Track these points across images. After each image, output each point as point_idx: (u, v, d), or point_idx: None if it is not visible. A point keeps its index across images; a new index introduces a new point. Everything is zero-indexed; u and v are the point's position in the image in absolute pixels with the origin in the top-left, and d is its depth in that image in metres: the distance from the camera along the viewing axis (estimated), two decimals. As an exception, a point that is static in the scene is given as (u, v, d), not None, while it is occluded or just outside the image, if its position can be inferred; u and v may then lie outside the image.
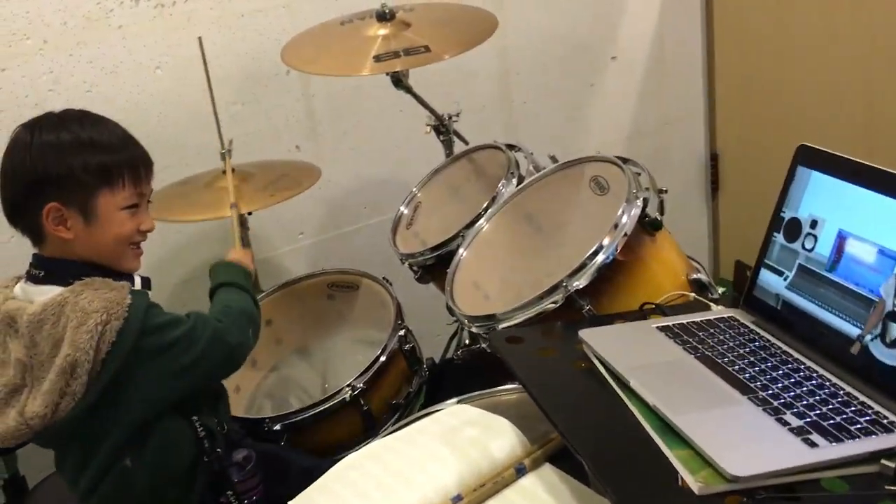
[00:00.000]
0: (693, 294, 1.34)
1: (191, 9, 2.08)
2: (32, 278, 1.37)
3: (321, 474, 1.25)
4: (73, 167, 1.33)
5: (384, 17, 1.80)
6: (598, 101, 2.77)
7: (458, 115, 2.05)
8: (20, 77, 1.93)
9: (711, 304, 1.29)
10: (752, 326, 1.20)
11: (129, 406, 1.33)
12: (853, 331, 1.06)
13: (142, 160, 1.43)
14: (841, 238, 1.10)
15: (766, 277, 1.21)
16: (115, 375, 1.29)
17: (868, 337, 1.04)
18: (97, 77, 2.01)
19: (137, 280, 1.43)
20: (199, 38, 1.82)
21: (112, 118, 2.01)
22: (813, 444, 0.93)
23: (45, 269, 1.36)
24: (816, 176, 1.16)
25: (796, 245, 1.17)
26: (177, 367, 1.36)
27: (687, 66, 2.87)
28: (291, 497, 1.23)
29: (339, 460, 1.27)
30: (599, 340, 1.18)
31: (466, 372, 1.82)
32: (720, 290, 1.50)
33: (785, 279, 1.18)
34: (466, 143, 2.07)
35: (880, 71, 2.29)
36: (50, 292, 1.32)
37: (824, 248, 1.13)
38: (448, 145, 2.07)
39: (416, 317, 2.34)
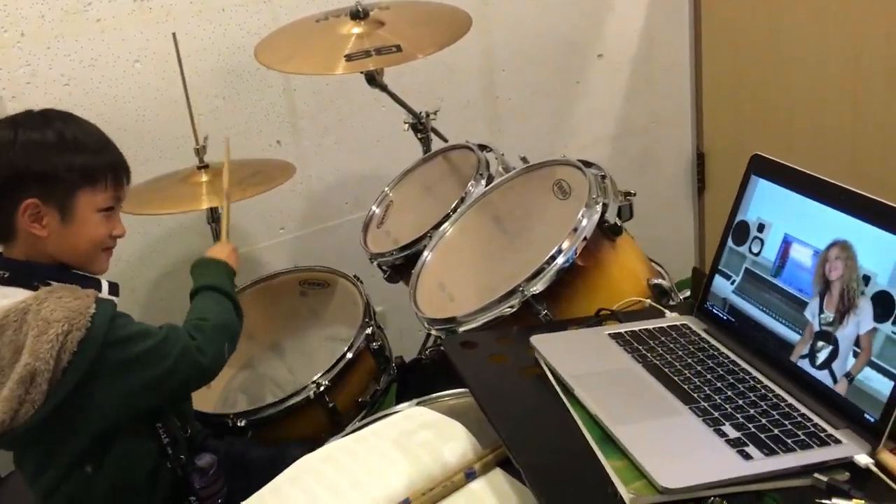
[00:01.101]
0: (649, 301, 1.34)
1: (170, 3, 2.08)
2: None
3: (281, 464, 1.26)
4: (58, 166, 1.34)
5: (358, 15, 1.80)
6: (584, 99, 2.77)
7: (435, 113, 2.05)
8: (-3, 69, 1.94)
9: (667, 311, 1.28)
10: (703, 335, 1.20)
11: (90, 416, 1.33)
12: (796, 338, 1.06)
13: (122, 165, 1.44)
14: (786, 243, 1.10)
15: (718, 282, 1.22)
16: (76, 385, 1.28)
17: (797, 357, 1.05)
18: (75, 70, 2.02)
19: (105, 286, 1.42)
20: (174, 34, 1.83)
21: (90, 111, 2.03)
22: (748, 457, 0.93)
23: (11, 271, 1.36)
24: (766, 184, 1.16)
25: (744, 249, 1.18)
26: (142, 381, 1.34)
27: (674, 66, 2.86)
28: (252, 489, 1.24)
29: (296, 450, 1.28)
30: (550, 347, 1.18)
31: (435, 371, 1.83)
32: (685, 294, 1.50)
33: (732, 283, 1.18)
34: (446, 140, 2.08)
35: (868, 74, 2.28)
36: (14, 295, 1.32)
37: (770, 253, 1.13)
38: (426, 143, 2.07)
39: (399, 312, 2.35)
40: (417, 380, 1.84)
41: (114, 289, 1.44)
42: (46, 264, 1.37)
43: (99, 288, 1.41)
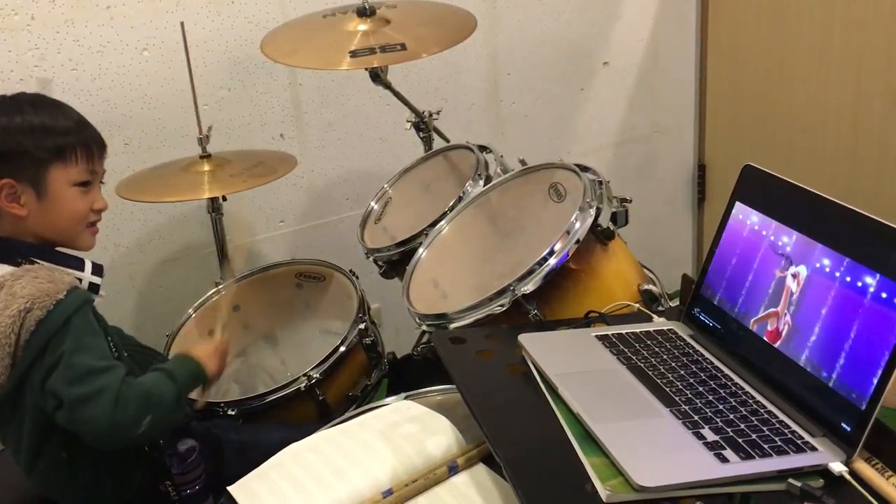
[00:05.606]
0: (637, 305, 1.35)
1: (180, -7, 2.10)
2: None
3: (255, 448, 1.27)
4: (26, 145, 1.35)
5: (365, 12, 1.81)
6: (587, 106, 2.79)
7: (438, 113, 2.06)
8: (6, 52, 1.95)
9: (654, 315, 1.30)
10: (689, 340, 1.21)
11: (29, 404, 1.33)
12: (778, 347, 1.07)
13: (94, 140, 1.44)
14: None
15: (704, 290, 1.23)
16: (29, 366, 1.29)
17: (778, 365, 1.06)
18: (83, 56, 2.04)
19: (88, 266, 1.44)
20: (182, 24, 1.85)
21: (97, 97, 2.04)
22: (724, 460, 0.94)
23: None
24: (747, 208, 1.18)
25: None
26: (50, 385, 1.28)
27: (679, 77, 2.88)
28: (225, 471, 1.24)
29: (273, 435, 1.28)
30: (537, 346, 1.19)
31: (426, 368, 1.85)
32: (674, 302, 1.52)
33: (718, 290, 1.20)
34: (447, 140, 2.09)
35: (868, 90, 2.30)
36: None
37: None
38: (428, 142, 2.08)
39: (395, 309, 2.36)
40: (408, 376, 1.86)
41: (97, 269, 1.45)
42: (30, 242, 1.39)
43: (82, 267, 1.43)
